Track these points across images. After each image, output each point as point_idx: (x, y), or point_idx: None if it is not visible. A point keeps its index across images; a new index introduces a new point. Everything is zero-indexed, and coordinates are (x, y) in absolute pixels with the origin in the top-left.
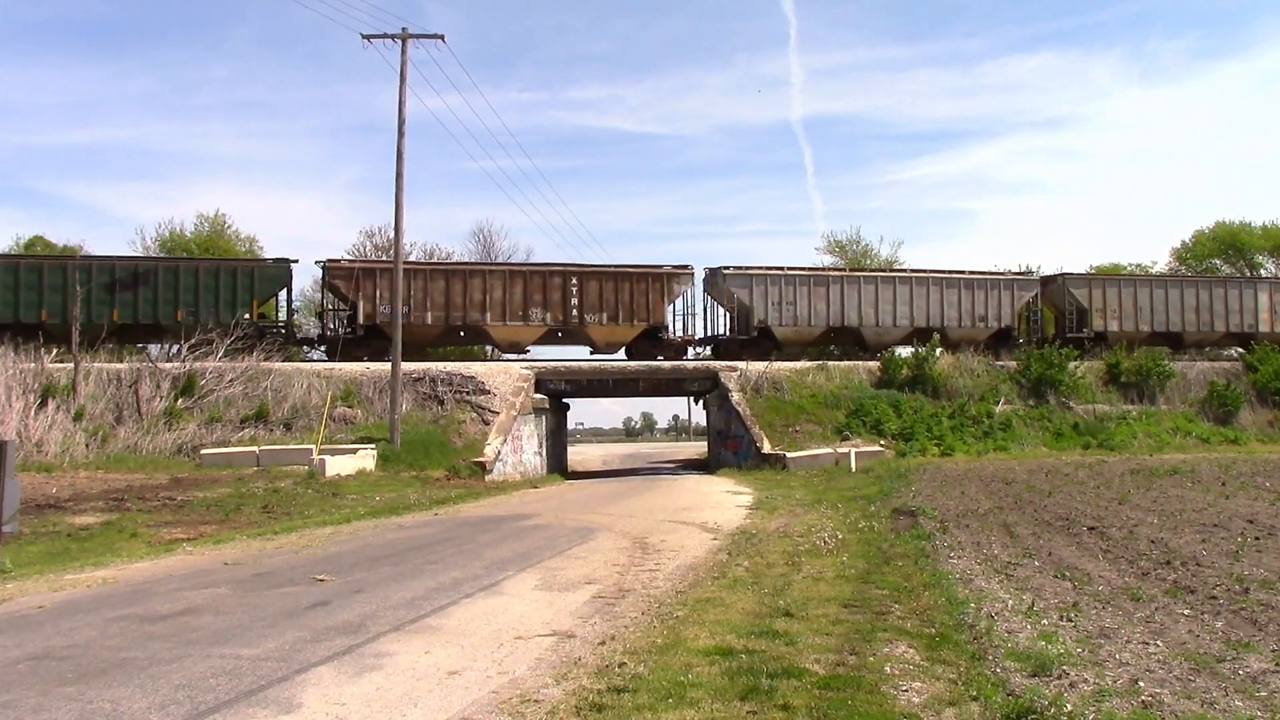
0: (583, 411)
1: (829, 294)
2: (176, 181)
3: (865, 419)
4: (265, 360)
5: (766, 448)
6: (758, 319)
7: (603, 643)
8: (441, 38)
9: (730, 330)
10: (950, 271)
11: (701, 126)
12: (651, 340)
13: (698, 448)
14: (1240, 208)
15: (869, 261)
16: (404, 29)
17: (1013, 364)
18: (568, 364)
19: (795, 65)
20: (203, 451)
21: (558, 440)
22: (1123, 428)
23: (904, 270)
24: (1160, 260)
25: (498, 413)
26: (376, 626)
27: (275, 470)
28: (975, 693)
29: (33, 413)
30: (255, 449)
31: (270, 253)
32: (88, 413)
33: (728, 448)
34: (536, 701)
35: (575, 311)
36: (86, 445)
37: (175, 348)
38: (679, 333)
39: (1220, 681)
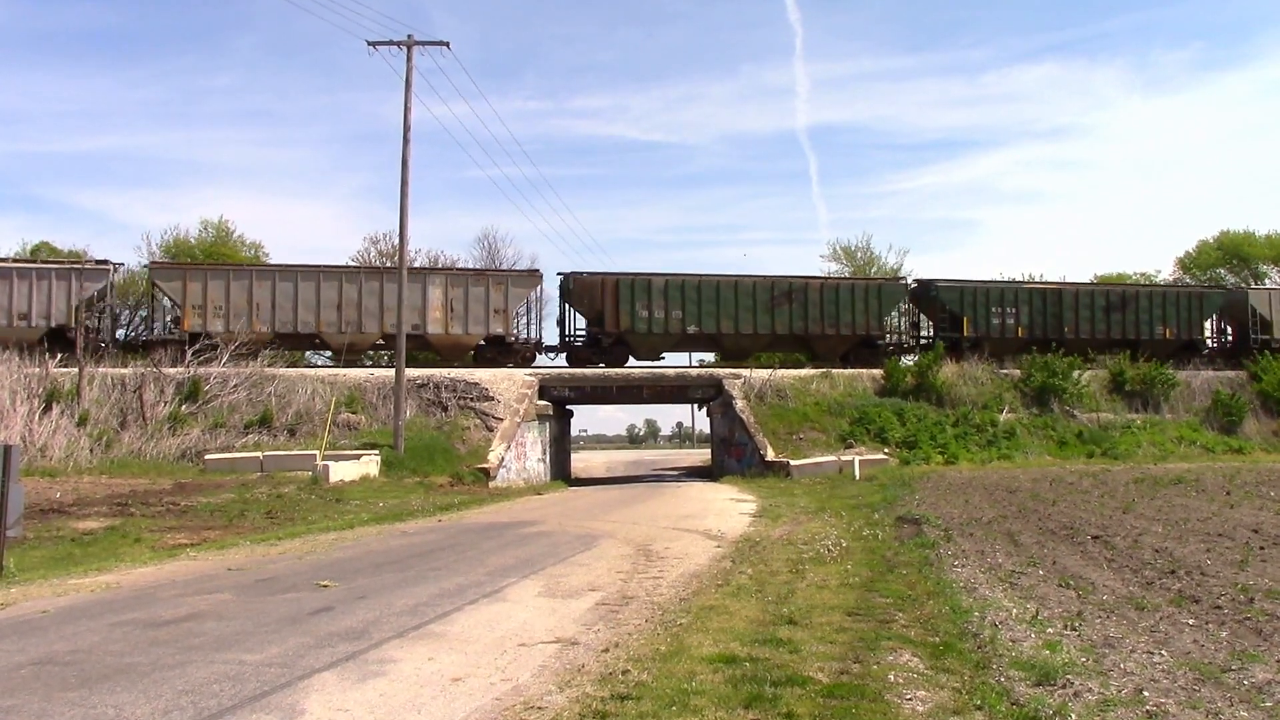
0: (586, 418)
1: None
2: (182, 189)
3: (869, 427)
4: (270, 365)
5: (770, 455)
6: None
7: (606, 650)
8: (447, 45)
9: None
10: None
11: (706, 135)
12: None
13: (701, 455)
14: (1244, 217)
15: (875, 270)
16: (409, 36)
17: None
18: (571, 371)
19: (800, 75)
20: (207, 457)
21: (561, 447)
22: (1127, 436)
23: None
24: (1165, 271)
25: (501, 419)
26: (380, 633)
27: (279, 476)
28: (979, 701)
29: (37, 417)
30: (259, 454)
31: (273, 257)
32: (92, 417)
33: (731, 455)
34: (540, 709)
35: None
36: (90, 450)
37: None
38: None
39: (1225, 691)
